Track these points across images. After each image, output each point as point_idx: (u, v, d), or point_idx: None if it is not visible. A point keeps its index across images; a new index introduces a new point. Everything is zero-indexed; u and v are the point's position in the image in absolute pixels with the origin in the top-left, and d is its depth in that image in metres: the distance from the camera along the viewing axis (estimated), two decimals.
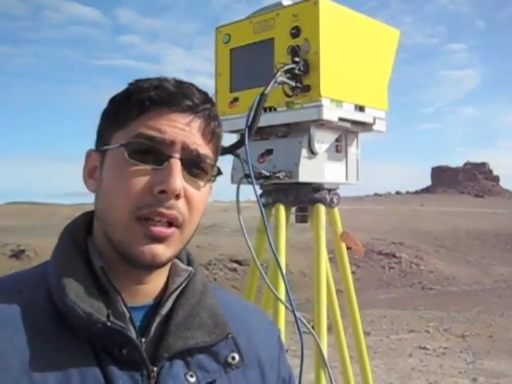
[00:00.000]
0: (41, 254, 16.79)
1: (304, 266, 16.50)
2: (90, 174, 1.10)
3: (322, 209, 2.47)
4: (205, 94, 1.08)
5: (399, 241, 23.45)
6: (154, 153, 1.01)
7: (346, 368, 2.71)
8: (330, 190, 2.50)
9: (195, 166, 1.04)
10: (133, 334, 1.00)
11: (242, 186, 2.30)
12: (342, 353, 2.73)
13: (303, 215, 2.54)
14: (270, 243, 1.80)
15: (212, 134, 1.07)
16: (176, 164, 1.00)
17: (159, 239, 1.00)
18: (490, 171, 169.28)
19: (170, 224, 1.01)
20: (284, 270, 2.05)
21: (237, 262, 17.91)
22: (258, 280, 2.49)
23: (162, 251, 1.01)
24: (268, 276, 2.32)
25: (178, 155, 1.01)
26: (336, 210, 2.57)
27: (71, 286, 0.99)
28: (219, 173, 1.10)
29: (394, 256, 21.32)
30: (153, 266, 1.03)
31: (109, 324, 0.95)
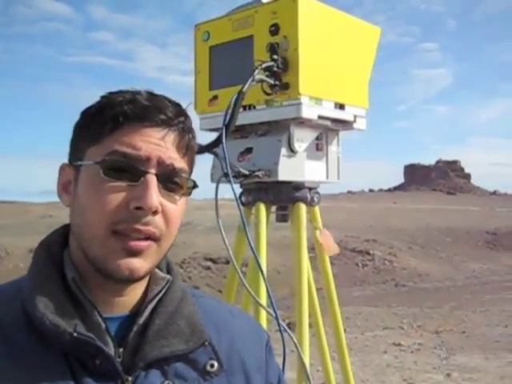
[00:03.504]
0: (13, 254, 16.57)
1: (278, 263, 16.50)
2: (65, 189, 1.09)
3: (303, 208, 2.45)
4: (178, 107, 1.07)
5: (372, 238, 23.61)
6: (129, 169, 0.99)
7: (327, 367, 2.71)
8: (310, 189, 2.48)
9: (171, 181, 1.03)
10: (109, 345, 1.00)
11: (220, 185, 2.27)
12: (322, 352, 2.72)
13: (284, 214, 2.52)
14: (249, 245, 1.77)
15: (187, 148, 1.06)
16: (152, 180, 0.99)
17: (136, 253, 0.99)
18: (462, 169, 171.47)
19: (147, 238, 1.00)
20: (265, 272, 2.02)
21: (211, 260, 17.88)
22: (238, 281, 2.46)
23: (140, 265, 1.00)
24: (248, 277, 2.30)
25: (153, 171, 1.00)
26: (317, 208, 2.56)
27: (41, 297, 0.98)
28: (195, 186, 1.09)
29: (368, 253, 21.47)
30: (130, 280, 1.02)
31: (75, 335, 0.94)
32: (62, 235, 1.10)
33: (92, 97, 1.08)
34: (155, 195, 0.98)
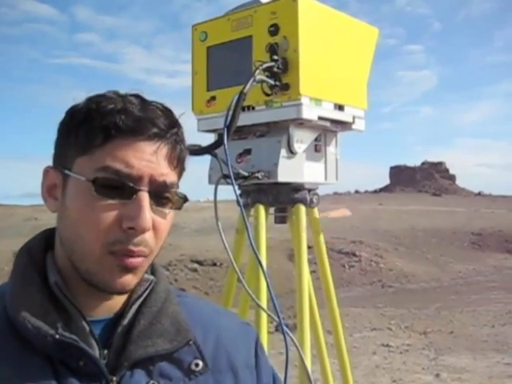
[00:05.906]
0: None
1: None
2: (50, 192, 1.07)
3: (303, 209, 2.44)
4: (170, 117, 1.05)
5: (359, 239, 23.62)
6: (121, 187, 0.98)
7: (325, 367, 2.70)
8: (309, 190, 2.47)
9: (162, 196, 1.03)
10: (93, 347, 1.00)
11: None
12: (320, 352, 2.71)
13: (282, 216, 2.51)
14: (251, 245, 1.75)
15: (178, 160, 1.05)
16: (144, 198, 0.99)
17: (130, 269, 1.00)
18: (447, 170, 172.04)
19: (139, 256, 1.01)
20: (267, 273, 2.01)
21: (197, 262, 17.80)
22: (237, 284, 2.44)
23: (131, 280, 1.01)
24: (247, 279, 2.28)
25: (145, 188, 0.99)
26: (316, 210, 2.55)
27: (23, 302, 0.99)
28: (186, 200, 1.08)
29: (354, 255, 21.46)
30: (121, 293, 1.03)
31: (57, 337, 0.95)
32: (44, 239, 1.10)
33: (77, 99, 1.04)
34: (148, 215, 0.98)
